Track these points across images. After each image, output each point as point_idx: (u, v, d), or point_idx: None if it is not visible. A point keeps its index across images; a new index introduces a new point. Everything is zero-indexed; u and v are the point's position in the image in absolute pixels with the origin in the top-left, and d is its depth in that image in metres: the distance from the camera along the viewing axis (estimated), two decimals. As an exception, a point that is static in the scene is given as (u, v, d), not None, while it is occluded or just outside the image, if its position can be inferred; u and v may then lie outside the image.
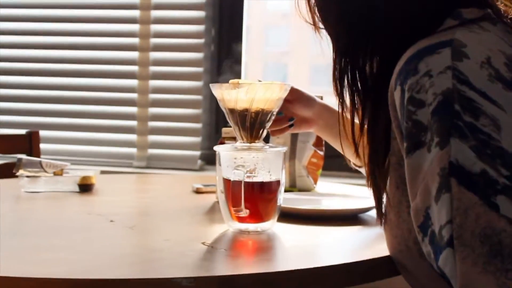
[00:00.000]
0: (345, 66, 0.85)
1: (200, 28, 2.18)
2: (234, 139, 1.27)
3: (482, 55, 0.70)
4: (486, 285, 0.62)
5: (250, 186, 0.99)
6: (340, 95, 0.87)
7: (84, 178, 1.45)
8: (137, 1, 2.21)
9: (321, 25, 0.91)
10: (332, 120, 1.25)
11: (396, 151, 0.79)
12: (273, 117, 1.06)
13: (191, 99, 2.19)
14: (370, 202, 1.20)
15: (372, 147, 0.82)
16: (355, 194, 1.38)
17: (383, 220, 0.84)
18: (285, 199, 1.19)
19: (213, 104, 2.20)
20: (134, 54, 2.21)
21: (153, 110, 2.22)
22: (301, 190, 1.48)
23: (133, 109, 2.23)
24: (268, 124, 1.05)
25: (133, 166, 2.22)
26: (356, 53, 0.84)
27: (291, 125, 1.24)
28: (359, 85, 0.84)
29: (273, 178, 1.02)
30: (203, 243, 0.93)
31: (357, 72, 0.84)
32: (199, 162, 2.19)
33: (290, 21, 3.17)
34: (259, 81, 1.14)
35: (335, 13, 0.87)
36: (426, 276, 0.76)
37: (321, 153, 1.51)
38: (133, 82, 2.22)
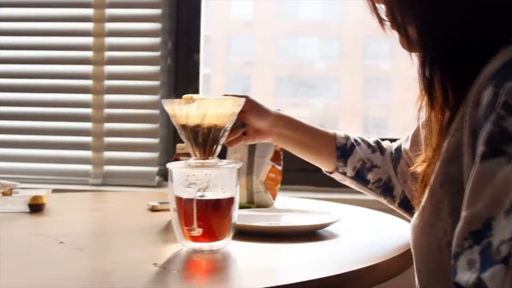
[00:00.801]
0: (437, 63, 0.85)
1: (156, 40, 2.17)
2: (189, 155, 1.26)
3: None
4: None
5: (202, 204, 0.98)
6: (429, 93, 0.87)
7: (34, 197, 1.42)
8: (91, 13, 2.19)
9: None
10: (287, 131, 1.27)
11: (451, 149, 0.80)
12: (227, 132, 1.05)
13: (147, 114, 2.18)
14: (329, 217, 1.21)
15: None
16: (314, 210, 1.38)
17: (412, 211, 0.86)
18: (242, 216, 1.19)
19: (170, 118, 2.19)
20: (88, 68, 2.19)
21: (108, 126, 2.19)
22: (259, 206, 1.47)
23: (87, 125, 2.20)
24: (222, 140, 1.05)
25: (89, 183, 2.19)
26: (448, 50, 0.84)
27: (244, 133, 1.24)
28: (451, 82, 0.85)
29: (226, 195, 1.01)
30: (154, 264, 0.92)
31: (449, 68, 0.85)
32: (157, 178, 2.18)
33: (253, 29, 3.18)
34: (226, 95, 1.14)
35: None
36: (438, 278, 0.79)
37: (279, 168, 1.51)
38: (88, 97, 2.20)
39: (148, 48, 2.18)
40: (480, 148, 0.71)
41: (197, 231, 0.96)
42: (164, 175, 2.20)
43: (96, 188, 2.15)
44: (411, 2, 0.85)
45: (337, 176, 1.33)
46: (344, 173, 1.30)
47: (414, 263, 0.87)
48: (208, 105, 1.01)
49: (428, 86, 0.86)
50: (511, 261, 0.65)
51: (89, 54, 2.19)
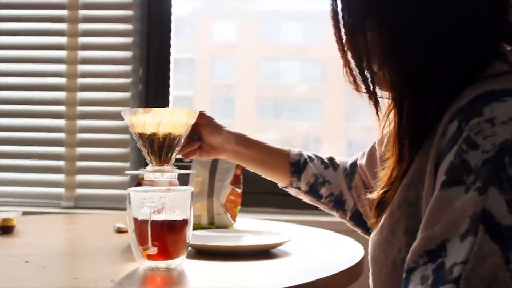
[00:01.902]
0: (409, 117, 0.89)
1: (128, 68, 2.25)
2: (152, 182, 1.34)
3: None
4: None
5: (158, 224, 1.05)
6: (399, 123, 0.91)
7: (4, 220, 1.49)
8: (64, 41, 2.26)
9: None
10: (241, 148, 1.35)
11: (412, 173, 0.85)
12: (181, 141, 1.13)
13: (118, 138, 2.25)
14: (280, 238, 1.29)
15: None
16: (270, 230, 1.45)
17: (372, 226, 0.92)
18: (201, 236, 1.26)
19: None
20: (61, 94, 2.26)
21: (80, 150, 2.26)
22: (219, 227, 1.55)
23: (60, 149, 2.27)
24: (177, 149, 1.12)
25: (61, 206, 2.25)
26: (420, 99, 0.87)
27: (200, 147, 1.32)
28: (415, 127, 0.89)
29: (180, 216, 1.08)
30: (111, 281, 0.99)
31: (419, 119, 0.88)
32: (128, 201, 2.24)
33: (236, 53, 3.23)
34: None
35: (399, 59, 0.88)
36: None
37: (239, 190, 1.58)
38: (61, 122, 2.27)
39: (120, 75, 2.26)
40: (442, 177, 0.75)
41: (152, 250, 1.04)
42: (135, 198, 2.27)
43: (68, 211, 2.20)
44: (384, 51, 0.88)
45: (292, 191, 1.41)
46: (298, 188, 1.38)
47: (370, 276, 0.93)
48: (163, 114, 1.08)
49: (399, 119, 0.91)
50: (462, 282, 0.68)
51: (62, 80, 2.26)
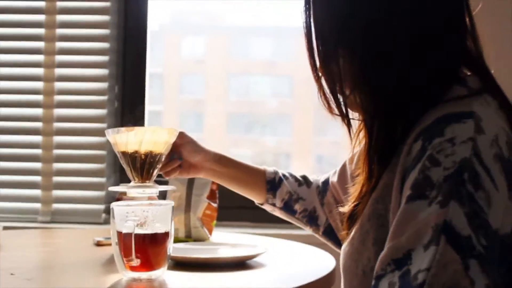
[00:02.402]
0: (378, 137, 0.96)
1: (104, 85, 2.31)
2: (132, 197, 1.40)
3: (493, 132, 0.83)
4: None
5: (140, 237, 1.11)
6: (370, 168, 0.98)
7: (-14, 234, 1.53)
8: (41, 59, 2.31)
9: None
10: (218, 166, 1.43)
11: (380, 188, 0.92)
12: (162, 159, 1.19)
13: (95, 154, 2.30)
14: (256, 250, 1.36)
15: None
16: (245, 243, 1.51)
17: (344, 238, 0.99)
18: (180, 249, 1.32)
19: (117, 158, 2.31)
20: (38, 111, 2.31)
21: (57, 165, 2.30)
22: (196, 240, 1.61)
23: (37, 165, 2.31)
24: (159, 166, 1.18)
25: (38, 221, 2.28)
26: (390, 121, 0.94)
27: (180, 166, 1.40)
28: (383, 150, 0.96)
29: (162, 230, 1.14)
30: (96, 291, 1.05)
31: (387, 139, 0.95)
32: (103, 215, 2.29)
33: (205, 68, 3.27)
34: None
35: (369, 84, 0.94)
36: None
37: (215, 205, 1.65)
38: (38, 138, 2.31)
39: (96, 93, 2.31)
40: (407, 191, 0.82)
41: (135, 262, 1.09)
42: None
43: (45, 226, 2.24)
44: (355, 78, 0.95)
45: (267, 207, 1.48)
46: (274, 204, 1.46)
47: (342, 285, 1.00)
48: (144, 133, 1.15)
49: (369, 139, 0.98)
50: (425, 287, 0.75)
51: (39, 97, 2.31)
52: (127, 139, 1.16)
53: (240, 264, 1.30)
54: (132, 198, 1.22)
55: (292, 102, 3.31)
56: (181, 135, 1.38)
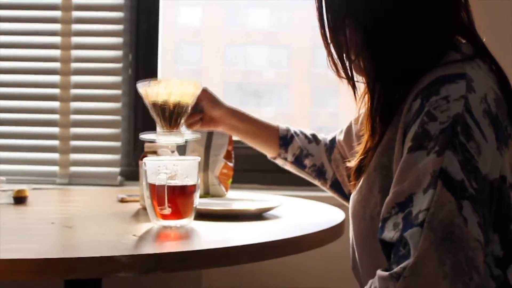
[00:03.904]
0: (380, 99, 1.09)
1: (119, 53, 2.44)
2: (155, 153, 1.56)
3: (482, 91, 0.97)
4: (432, 259, 0.87)
5: (171, 188, 1.26)
6: (373, 130, 1.11)
7: (18, 191, 1.68)
8: (58, 28, 2.44)
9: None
10: (236, 121, 1.60)
11: (384, 143, 1.06)
12: (188, 109, 1.35)
13: (110, 120, 2.44)
14: (271, 203, 1.51)
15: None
16: (261, 198, 1.67)
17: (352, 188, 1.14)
18: (202, 203, 1.47)
19: (131, 123, 2.46)
20: (56, 78, 2.44)
21: (74, 130, 2.44)
22: (214, 196, 1.76)
23: (55, 129, 2.44)
24: (185, 116, 1.35)
25: (56, 183, 2.43)
26: (389, 85, 1.08)
27: (201, 119, 1.56)
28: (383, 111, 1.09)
29: (190, 182, 1.29)
30: (134, 235, 1.20)
31: (387, 100, 1.09)
32: (119, 178, 2.43)
33: (201, 38, 3.29)
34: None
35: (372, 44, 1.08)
36: (369, 242, 1.05)
37: (231, 164, 1.79)
38: (55, 104, 2.45)
39: (111, 60, 2.44)
40: (408, 143, 0.96)
41: (168, 210, 1.25)
42: (126, 175, 2.46)
43: (63, 187, 2.39)
44: (359, 45, 1.08)
45: (279, 161, 1.65)
46: (285, 159, 1.63)
47: (351, 230, 1.15)
48: (173, 85, 1.30)
49: (372, 100, 1.12)
50: (425, 225, 0.88)
51: (56, 65, 2.44)
52: (158, 91, 1.30)
53: (257, 216, 1.45)
54: (157, 154, 1.38)
55: (290, 73, 3.37)
56: (204, 91, 1.53)
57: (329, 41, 1.12)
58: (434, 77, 0.99)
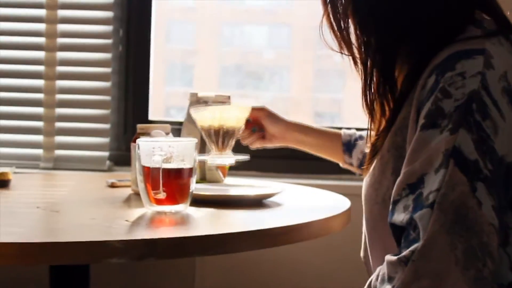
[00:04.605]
0: (379, 78, 1.10)
1: (108, 28, 2.43)
2: (148, 134, 1.55)
3: (502, 68, 0.97)
4: (442, 243, 0.87)
5: (166, 171, 1.26)
6: (371, 108, 1.13)
7: (1, 174, 1.68)
8: (43, 0, 2.42)
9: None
10: (299, 135, 1.70)
11: (398, 121, 1.06)
12: (235, 132, 1.49)
13: (99, 100, 2.43)
14: (272, 190, 1.51)
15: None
16: (261, 185, 1.67)
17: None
18: (199, 188, 1.47)
19: (121, 104, 2.45)
20: (41, 54, 2.43)
21: (60, 111, 2.43)
22: (211, 182, 1.76)
23: (39, 110, 2.43)
24: (233, 137, 1.49)
25: (40, 167, 2.42)
26: (389, 63, 1.09)
27: (263, 137, 1.70)
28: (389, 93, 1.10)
29: (187, 165, 1.29)
30: (126, 220, 1.20)
31: (389, 81, 1.10)
32: (108, 162, 2.43)
33: (195, 15, 3.25)
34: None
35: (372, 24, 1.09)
36: (380, 227, 1.05)
37: (229, 149, 1.80)
38: (40, 82, 2.44)
39: (100, 36, 2.43)
40: (421, 121, 0.97)
41: (162, 194, 1.24)
42: (115, 159, 2.45)
43: (47, 172, 2.38)
44: (371, 19, 1.09)
45: (348, 167, 1.71)
46: (351, 164, 1.68)
47: (364, 212, 1.15)
48: (215, 111, 1.46)
49: (383, 77, 1.11)
50: (435, 206, 0.89)
51: (41, 40, 2.43)
52: (208, 116, 1.46)
53: (257, 202, 1.45)
54: (151, 136, 1.38)
55: (291, 54, 3.36)
56: (263, 109, 1.69)
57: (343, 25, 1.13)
58: (451, 52, 1.00)
